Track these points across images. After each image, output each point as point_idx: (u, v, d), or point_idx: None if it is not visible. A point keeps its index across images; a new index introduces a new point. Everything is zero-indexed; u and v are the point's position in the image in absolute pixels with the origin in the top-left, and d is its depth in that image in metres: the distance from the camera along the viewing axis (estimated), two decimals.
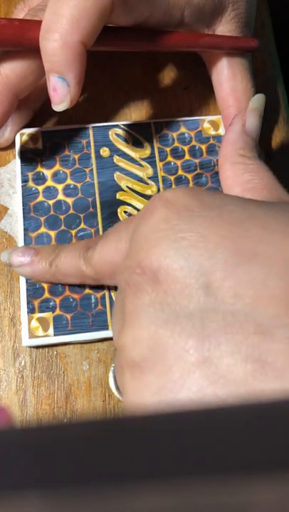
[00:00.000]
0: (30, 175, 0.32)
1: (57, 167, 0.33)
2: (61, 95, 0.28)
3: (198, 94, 0.36)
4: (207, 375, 0.19)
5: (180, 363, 0.19)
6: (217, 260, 0.20)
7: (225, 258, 0.20)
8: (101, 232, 0.31)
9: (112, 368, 0.25)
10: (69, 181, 0.32)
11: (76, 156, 0.33)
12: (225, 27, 0.32)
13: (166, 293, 0.20)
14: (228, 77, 0.33)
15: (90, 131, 0.33)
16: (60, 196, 0.32)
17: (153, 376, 0.20)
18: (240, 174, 0.27)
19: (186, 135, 0.34)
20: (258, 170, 0.27)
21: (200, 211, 0.21)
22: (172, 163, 0.33)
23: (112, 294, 0.30)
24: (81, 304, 0.30)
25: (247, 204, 0.22)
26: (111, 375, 0.25)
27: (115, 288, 0.30)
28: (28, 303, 0.30)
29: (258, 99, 0.30)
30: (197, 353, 0.19)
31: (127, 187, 0.32)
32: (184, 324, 0.20)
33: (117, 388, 0.24)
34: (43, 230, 0.31)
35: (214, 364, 0.19)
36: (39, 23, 0.27)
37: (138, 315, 0.21)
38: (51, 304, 0.30)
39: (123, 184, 0.32)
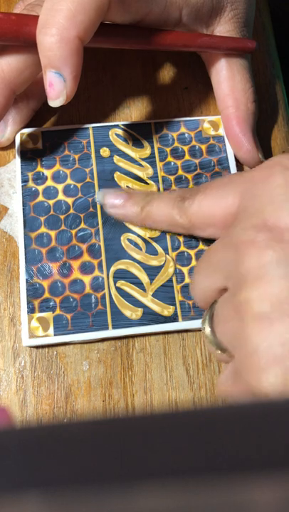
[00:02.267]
0: (30, 175, 0.32)
1: (57, 167, 0.33)
2: (57, 91, 0.28)
3: (198, 94, 0.36)
4: None
5: None
6: None
7: None
8: (101, 232, 0.31)
9: (208, 319, 0.25)
10: (69, 181, 0.32)
11: (76, 156, 0.33)
12: (223, 27, 0.32)
13: None
14: (227, 77, 0.33)
15: (90, 131, 0.33)
16: (60, 196, 0.32)
17: (284, 327, 0.21)
18: None
19: (186, 135, 0.34)
20: None
21: None
22: (172, 163, 0.33)
23: (112, 293, 0.30)
24: (81, 304, 0.30)
25: None
26: (206, 323, 0.25)
27: (117, 289, 0.30)
28: (28, 303, 0.30)
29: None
30: None
31: (127, 187, 0.32)
32: None
33: (215, 338, 0.25)
34: (43, 229, 0.31)
35: None
36: (36, 17, 0.27)
37: (267, 271, 0.22)
38: (51, 303, 0.30)
39: (123, 184, 0.32)
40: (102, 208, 0.32)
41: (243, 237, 0.23)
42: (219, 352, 0.25)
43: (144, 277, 0.30)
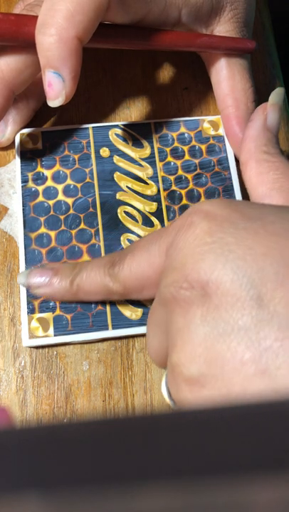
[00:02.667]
0: (30, 175, 0.32)
1: (57, 167, 0.33)
2: (56, 91, 0.27)
3: (198, 94, 0.36)
4: (267, 385, 0.19)
5: (240, 376, 0.19)
6: (267, 272, 0.20)
7: (274, 269, 0.20)
8: (101, 233, 0.31)
9: (164, 378, 0.25)
10: (69, 181, 0.32)
11: (76, 156, 0.33)
12: (223, 27, 0.32)
13: (217, 307, 0.20)
14: (226, 77, 0.33)
15: (90, 132, 0.33)
16: (60, 196, 0.32)
17: (213, 390, 0.20)
18: (266, 172, 0.27)
19: (186, 135, 0.34)
20: (283, 168, 0.27)
21: (243, 223, 0.21)
22: (172, 163, 0.33)
23: None
24: (81, 305, 0.30)
25: (286, 213, 0.22)
26: (163, 384, 0.25)
27: None
28: (28, 303, 0.30)
29: (277, 94, 0.29)
30: (255, 364, 0.19)
31: (127, 187, 0.32)
32: (239, 337, 0.20)
33: (170, 397, 0.24)
34: (43, 230, 0.31)
35: (273, 375, 0.19)
36: (35, 18, 0.27)
37: (191, 330, 0.21)
38: (51, 304, 0.30)
39: (123, 184, 0.32)
40: (102, 208, 0.32)
41: (167, 295, 0.22)
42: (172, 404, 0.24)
43: None
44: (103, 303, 0.30)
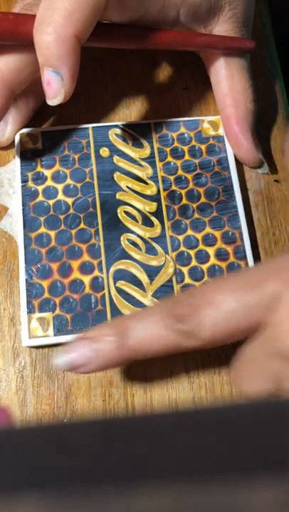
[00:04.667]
0: (29, 175, 0.32)
1: (57, 167, 0.33)
2: (55, 89, 0.27)
3: (198, 94, 0.36)
4: None
5: None
6: None
7: None
8: (101, 232, 0.31)
9: None
10: (69, 181, 0.32)
11: (76, 156, 0.33)
12: (222, 27, 0.32)
13: None
14: (226, 77, 0.33)
15: (90, 131, 0.33)
16: (60, 196, 0.32)
17: None
18: None
19: (186, 135, 0.34)
20: None
21: None
22: (172, 163, 0.33)
23: (112, 294, 0.30)
24: (81, 304, 0.30)
25: None
26: None
27: (117, 289, 0.30)
28: (28, 303, 0.30)
29: None
30: None
31: (127, 187, 0.32)
32: None
33: None
34: (42, 230, 0.31)
35: None
36: (33, 17, 0.27)
37: None
38: (51, 303, 0.30)
39: (123, 184, 0.32)
40: (101, 207, 0.32)
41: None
42: None
43: (144, 277, 0.30)
44: (103, 303, 0.30)
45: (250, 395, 0.24)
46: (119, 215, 0.32)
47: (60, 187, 0.32)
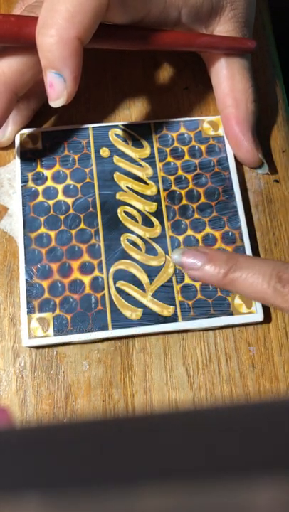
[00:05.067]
0: (30, 175, 0.32)
1: (57, 167, 0.33)
2: (58, 91, 0.27)
3: (198, 94, 0.36)
4: None
5: None
6: None
7: None
8: (101, 233, 0.31)
9: None
10: (69, 181, 0.32)
11: (76, 157, 0.33)
12: (223, 27, 0.32)
13: None
14: (226, 77, 0.33)
15: (90, 132, 0.33)
16: (60, 196, 0.32)
17: None
18: None
19: (186, 135, 0.34)
20: None
21: None
22: (172, 163, 0.33)
23: (112, 294, 0.30)
24: (81, 304, 0.30)
25: None
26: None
27: (117, 289, 0.30)
28: (28, 303, 0.30)
29: None
30: None
31: (127, 187, 0.32)
32: None
33: None
34: (42, 230, 0.31)
35: None
36: (36, 19, 0.27)
37: None
38: (51, 304, 0.30)
39: (123, 184, 0.32)
40: (101, 208, 0.32)
41: None
42: None
43: (143, 277, 0.30)
44: (103, 303, 0.30)
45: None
46: (119, 215, 0.32)
47: (60, 187, 0.32)
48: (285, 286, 0.26)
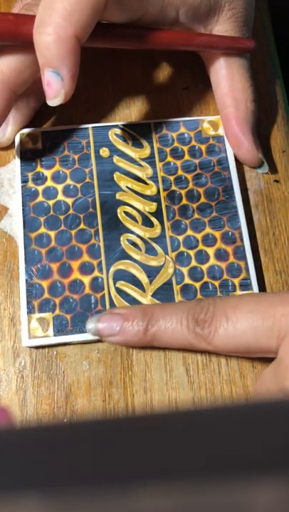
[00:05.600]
0: (29, 175, 0.32)
1: (57, 167, 0.33)
2: (55, 90, 0.27)
3: (198, 94, 0.36)
4: None
5: None
6: None
7: None
8: (101, 233, 0.31)
9: None
10: (69, 181, 0.32)
11: (76, 157, 0.33)
12: (222, 27, 0.32)
13: None
14: (226, 76, 0.33)
15: (90, 132, 0.33)
16: (60, 196, 0.32)
17: None
18: None
19: (186, 135, 0.34)
20: None
21: None
22: (172, 163, 0.33)
23: (112, 294, 0.30)
24: (81, 304, 0.30)
25: None
26: None
27: (116, 289, 0.30)
28: (28, 303, 0.30)
29: None
30: None
31: (127, 187, 0.32)
32: None
33: None
34: (42, 230, 0.31)
35: None
36: (33, 17, 0.27)
37: None
38: (51, 304, 0.30)
39: (123, 184, 0.32)
40: (101, 208, 0.32)
41: None
42: None
43: (143, 278, 0.30)
44: (103, 303, 0.30)
45: None
46: (119, 215, 0.32)
47: (60, 187, 0.32)
48: (204, 328, 0.26)
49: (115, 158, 0.33)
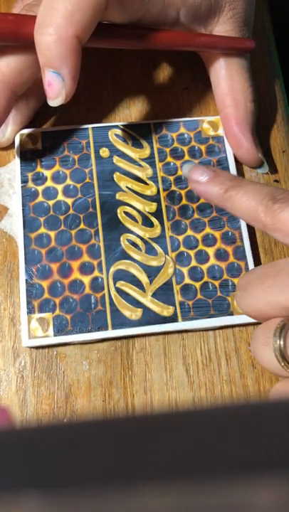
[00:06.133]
0: (29, 175, 0.32)
1: (56, 167, 0.33)
2: (56, 90, 0.27)
3: (198, 94, 0.36)
4: None
5: None
6: None
7: None
8: (101, 233, 0.31)
9: (280, 338, 0.25)
10: (69, 182, 0.32)
11: (76, 157, 0.33)
12: (222, 27, 0.32)
13: None
14: (225, 77, 0.33)
15: (90, 132, 0.33)
16: (60, 197, 0.32)
17: None
18: None
19: (186, 135, 0.34)
20: None
21: None
22: (172, 163, 0.33)
23: (112, 294, 0.30)
24: (81, 305, 0.30)
25: None
26: (279, 342, 0.26)
27: (116, 289, 0.30)
28: (27, 303, 0.30)
29: None
30: None
31: (127, 187, 0.32)
32: None
33: None
34: (42, 230, 0.31)
35: None
36: (34, 17, 0.27)
37: None
38: (51, 304, 0.30)
39: (123, 184, 0.32)
40: (101, 208, 0.32)
41: None
42: (283, 366, 0.25)
43: (143, 278, 0.30)
44: (103, 303, 0.30)
45: (257, 307, 0.26)
46: (119, 215, 0.32)
47: (60, 187, 0.32)
48: (276, 203, 0.27)
49: (115, 159, 0.33)
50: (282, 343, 0.25)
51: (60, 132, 0.33)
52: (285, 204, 0.27)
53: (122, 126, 0.34)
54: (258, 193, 0.28)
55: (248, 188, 0.28)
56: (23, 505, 0.08)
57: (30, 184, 0.32)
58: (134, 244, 0.31)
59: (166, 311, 0.30)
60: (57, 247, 0.31)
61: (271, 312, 0.26)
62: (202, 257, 0.31)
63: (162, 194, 0.32)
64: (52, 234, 0.31)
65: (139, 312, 0.30)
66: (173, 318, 0.30)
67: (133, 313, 0.30)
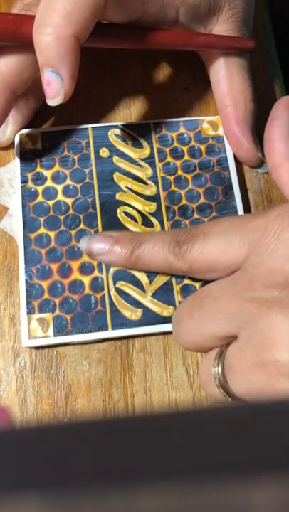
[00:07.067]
0: (29, 175, 0.32)
1: (56, 167, 0.33)
2: (55, 90, 0.28)
3: (198, 94, 0.36)
4: None
5: None
6: None
7: None
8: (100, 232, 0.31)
9: (217, 375, 0.25)
10: (68, 182, 0.32)
11: (75, 157, 0.33)
12: (222, 26, 0.32)
13: None
14: (225, 76, 0.33)
15: (90, 132, 0.33)
16: (60, 197, 0.32)
17: None
18: None
19: (186, 135, 0.34)
20: None
21: None
22: (172, 163, 0.33)
23: (112, 294, 0.30)
24: (81, 305, 0.30)
25: None
26: (218, 369, 0.25)
27: (116, 289, 0.30)
28: (27, 303, 0.30)
29: None
30: None
31: (127, 187, 0.32)
32: None
33: (225, 393, 0.25)
34: (42, 230, 0.31)
35: None
36: (33, 17, 0.27)
37: None
38: (51, 304, 0.30)
39: (122, 185, 0.32)
40: (101, 208, 0.32)
41: (265, 296, 0.23)
42: (221, 392, 0.25)
43: (143, 278, 0.30)
44: (103, 303, 0.30)
45: (192, 338, 0.26)
46: (118, 215, 0.32)
47: (59, 187, 0.32)
48: (182, 246, 0.27)
49: (115, 159, 0.33)
50: (220, 370, 0.25)
51: (59, 132, 0.33)
52: (190, 243, 0.27)
53: (121, 126, 0.34)
54: (161, 243, 0.28)
55: (150, 242, 0.28)
56: (23, 505, 0.08)
57: (30, 184, 0.32)
58: None
59: (166, 311, 0.30)
60: (57, 247, 0.31)
61: (208, 343, 0.26)
62: None
63: (162, 194, 0.32)
64: (52, 234, 0.31)
65: (139, 312, 0.30)
66: None
67: (133, 314, 0.30)
